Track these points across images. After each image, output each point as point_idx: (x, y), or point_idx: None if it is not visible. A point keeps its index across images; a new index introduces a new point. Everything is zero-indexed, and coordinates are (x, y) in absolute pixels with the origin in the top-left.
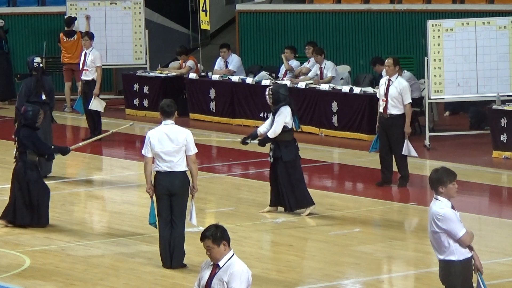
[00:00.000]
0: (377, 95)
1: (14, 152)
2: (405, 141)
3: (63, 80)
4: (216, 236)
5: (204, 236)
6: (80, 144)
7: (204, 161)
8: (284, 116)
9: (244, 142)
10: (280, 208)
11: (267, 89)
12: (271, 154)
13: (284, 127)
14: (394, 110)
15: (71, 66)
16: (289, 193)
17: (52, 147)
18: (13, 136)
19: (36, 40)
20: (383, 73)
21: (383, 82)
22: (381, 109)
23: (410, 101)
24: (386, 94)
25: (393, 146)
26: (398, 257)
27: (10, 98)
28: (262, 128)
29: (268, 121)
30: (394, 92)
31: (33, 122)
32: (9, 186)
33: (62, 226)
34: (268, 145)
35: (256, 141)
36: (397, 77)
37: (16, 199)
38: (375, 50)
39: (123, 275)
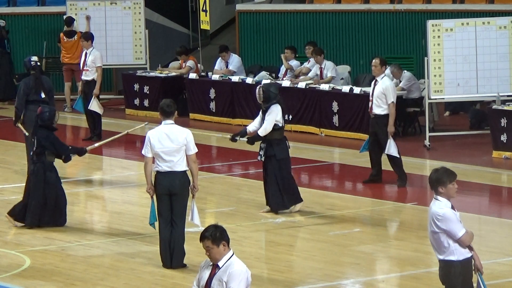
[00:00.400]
0: None
1: (31, 153)
2: (388, 140)
3: (63, 80)
4: (215, 236)
5: (203, 237)
6: (96, 145)
7: (204, 161)
8: (275, 114)
9: (233, 139)
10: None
11: (258, 88)
12: (261, 153)
13: (275, 125)
14: (378, 110)
15: (71, 66)
16: (284, 190)
17: (70, 147)
18: (27, 135)
19: (36, 40)
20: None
21: (372, 83)
22: (369, 109)
23: (393, 100)
24: (372, 94)
25: (382, 145)
26: (398, 257)
27: (12, 98)
28: (251, 127)
29: (258, 120)
30: (378, 91)
31: (51, 123)
32: (9, 186)
33: (62, 226)
34: (257, 144)
35: (245, 139)
36: (382, 77)
37: (30, 200)
38: (375, 50)
39: (123, 275)
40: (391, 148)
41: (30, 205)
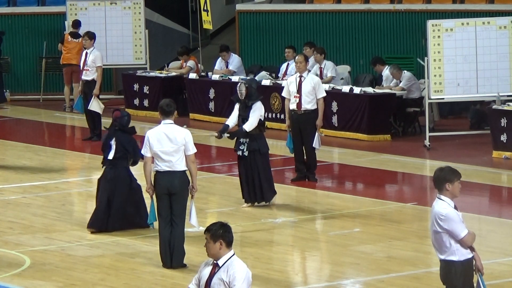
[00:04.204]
0: (283, 93)
1: (110, 157)
2: (316, 134)
3: (63, 80)
4: (215, 232)
5: (207, 229)
6: None
7: (204, 161)
8: (260, 110)
9: (220, 136)
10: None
11: (239, 84)
12: (243, 148)
13: (259, 120)
14: (309, 105)
15: (71, 68)
16: (267, 184)
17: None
18: (102, 140)
19: (36, 40)
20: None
21: (292, 80)
22: (293, 106)
23: (325, 94)
24: (299, 91)
25: (305, 139)
26: (398, 257)
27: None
28: (230, 122)
29: (235, 115)
30: (309, 87)
31: (129, 126)
32: (9, 186)
33: (62, 226)
34: (234, 140)
35: (227, 134)
36: (308, 73)
37: (114, 205)
38: (375, 50)
39: (123, 275)
40: (318, 141)
41: (113, 211)
